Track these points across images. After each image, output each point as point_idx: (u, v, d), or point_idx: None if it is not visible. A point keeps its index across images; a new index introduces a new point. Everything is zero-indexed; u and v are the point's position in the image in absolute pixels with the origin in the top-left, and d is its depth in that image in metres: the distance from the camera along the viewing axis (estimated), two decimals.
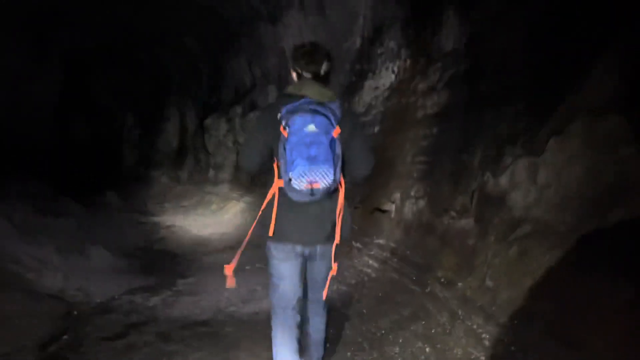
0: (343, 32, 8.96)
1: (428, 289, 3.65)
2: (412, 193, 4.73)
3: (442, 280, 3.55)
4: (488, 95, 3.92)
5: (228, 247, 7.23)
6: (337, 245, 2.40)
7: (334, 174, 2.16)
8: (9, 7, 11.89)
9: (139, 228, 9.09)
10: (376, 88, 6.92)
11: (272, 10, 10.77)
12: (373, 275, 4.57)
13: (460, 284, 3.35)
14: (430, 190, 4.38)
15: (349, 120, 2.35)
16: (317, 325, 2.76)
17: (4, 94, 13.23)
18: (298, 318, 2.55)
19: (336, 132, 2.19)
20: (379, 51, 7.08)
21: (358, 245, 5.38)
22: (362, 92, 7.38)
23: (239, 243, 2.57)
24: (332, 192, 2.32)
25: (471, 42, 4.49)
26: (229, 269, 2.43)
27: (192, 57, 14.96)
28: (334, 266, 2.41)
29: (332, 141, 2.16)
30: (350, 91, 7.96)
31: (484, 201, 3.49)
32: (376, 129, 6.63)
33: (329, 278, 2.52)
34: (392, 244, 4.67)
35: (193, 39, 14.41)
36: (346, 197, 2.45)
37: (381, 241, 4.97)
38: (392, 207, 5.17)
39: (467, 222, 3.64)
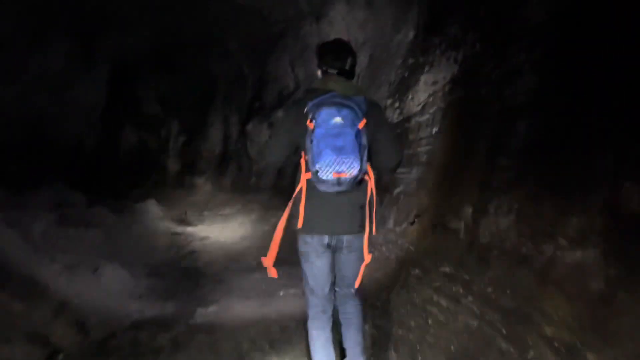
0: (394, 24, 7.77)
1: (530, 354, 2.40)
2: (491, 208, 3.49)
3: (555, 342, 2.30)
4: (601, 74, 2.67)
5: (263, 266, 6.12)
6: (369, 236, 2.40)
7: (360, 164, 2.15)
8: (56, 10, 11.36)
9: (171, 240, 8.16)
10: (434, 82, 5.70)
11: (317, 6, 9.71)
12: (440, 317, 3.34)
13: (588, 354, 2.10)
14: (520, 205, 3.13)
15: (375, 112, 2.33)
16: (350, 311, 2.61)
17: (48, 99, 12.76)
18: (330, 313, 2.51)
19: (362, 124, 2.17)
20: (437, 40, 5.88)
21: (416, 272, 4.17)
22: (416, 88, 6.19)
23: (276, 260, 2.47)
24: (359, 183, 2.29)
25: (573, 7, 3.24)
26: (266, 261, 2.41)
27: (237, 61, 14.13)
28: (368, 257, 2.36)
29: (357, 132, 2.14)
30: (402, 89, 6.78)
31: (619, 224, 2.25)
32: (434, 129, 5.42)
33: (361, 268, 2.45)
34: (465, 276, 3.43)
35: (237, 43, 13.58)
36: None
37: (448, 269, 3.74)
38: (460, 225, 3.94)
39: (587, 255, 2.39)
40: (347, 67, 2.42)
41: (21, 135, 11.35)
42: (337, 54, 2.44)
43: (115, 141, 15.87)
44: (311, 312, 2.55)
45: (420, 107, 5.96)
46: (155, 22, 13.51)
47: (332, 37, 9.17)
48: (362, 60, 8.25)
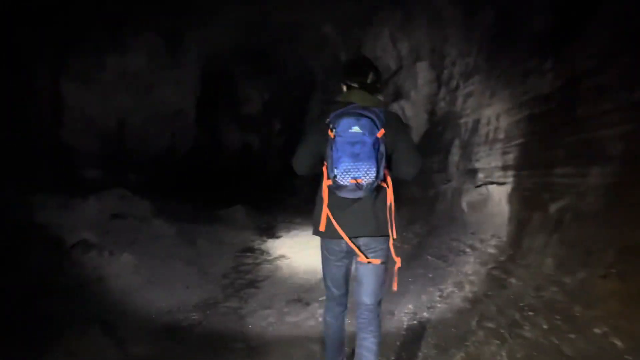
0: None
1: None
2: None
3: None
4: None
5: None
6: (392, 239, 2.35)
7: (377, 171, 2.14)
8: (136, 3, 9.97)
9: (235, 262, 6.06)
10: None
11: None
12: None
13: None
14: None
15: (393, 123, 2.31)
16: (368, 345, 2.41)
17: (136, 101, 11.57)
18: (344, 311, 2.55)
19: (380, 133, 2.16)
20: None
21: None
22: None
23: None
24: (377, 190, 2.25)
25: None
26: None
27: (333, 47, 11.86)
28: (397, 260, 2.32)
29: (375, 141, 2.14)
30: None
31: None
32: None
33: (395, 271, 2.36)
34: None
35: (332, 25, 11.31)
36: None
37: None
38: None
39: None
40: (368, 81, 2.41)
41: (104, 139, 10.19)
42: (359, 69, 2.46)
43: (214, 144, 14.40)
44: (327, 303, 2.60)
45: None
46: (242, 15, 11.74)
47: None
48: None
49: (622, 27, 3.24)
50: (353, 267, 2.52)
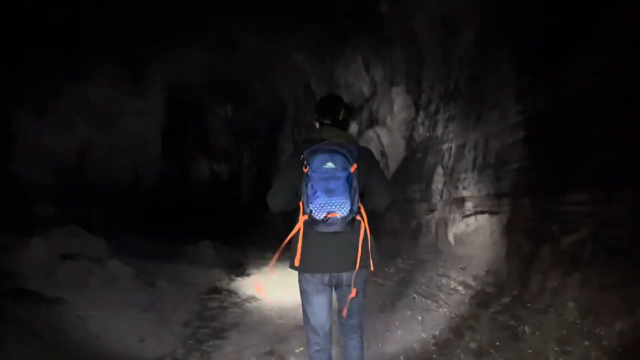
0: None
1: None
2: None
3: None
4: None
5: None
6: (365, 272, 2.39)
7: (351, 205, 2.16)
8: (96, 34, 9.35)
9: (199, 307, 5.34)
10: None
11: None
12: None
13: None
14: None
15: (366, 157, 2.35)
16: (354, 344, 2.52)
17: (96, 132, 10.80)
18: (332, 350, 2.51)
19: (353, 167, 2.19)
20: None
21: None
22: None
23: None
24: (352, 223, 2.24)
25: None
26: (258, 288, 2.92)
27: (304, 75, 11.45)
28: (353, 291, 2.32)
29: (348, 176, 2.17)
30: None
31: None
32: None
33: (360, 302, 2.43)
34: None
35: (303, 52, 10.91)
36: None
37: None
38: None
39: None
40: (340, 118, 2.47)
41: (61, 172, 9.36)
42: (331, 107, 2.50)
43: (183, 177, 13.65)
44: (311, 351, 2.49)
45: None
46: (209, 44, 11.25)
47: (420, 15, 6.20)
48: None
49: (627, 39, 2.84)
50: (333, 297, 2.51)
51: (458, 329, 3.49)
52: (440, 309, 4.09)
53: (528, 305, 2.94)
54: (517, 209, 3.76)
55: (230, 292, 6.12)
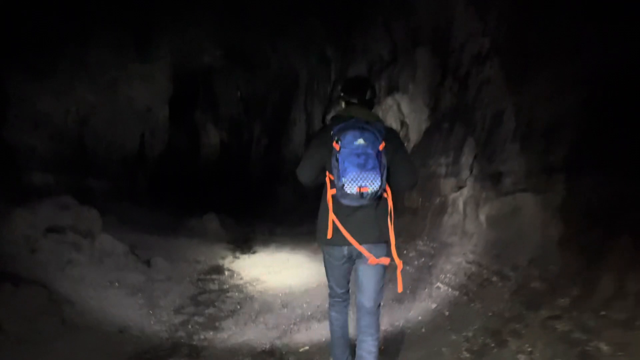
0: None
1: None
2: None
3: None
4: None
5: None
6: (392, 245, 2.42)
7: (381, 180, 2.20)
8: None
9: (195, 289, 4.72)
10: None
11: None
12: None
13: None
14: None
15: (392, 137, 2.41)
16: (368, 348, 2.45)
17: (98, 98, 10.15)
18: (348, 305, 2.62)
19: (382, 146, 2.24)
20: None
21: None
22: None
23: None
24: (379, 199, 2.32)
25: None
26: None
27: (319, 41, 10.61)
28: (399, 263, 2.38)
29: (378, 153, 2.22)
30: None
31: None
32: None
33: (398, 273, 2.43)
34: None
35: (316, 17, 10.05)
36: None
37: None
38: None
39: None
40: (366, 98, 2.51)
41: (60, 139, 8.76)
42: (358, 86, 2.56)
43: (189, 148, 13.00)
44: (331, 300, 2.65)
45: None
46: (219, 7, 10.42)
47: None
48: None
49: None
50: (353, 271, 2.56)
51: (498, 333, 2.80)
52: (473, 304, 3.40)
53: (602, 313, 2.24)
54: (576, 187, 3.01)
55: (233, 272, 5.50)
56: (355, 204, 2.25)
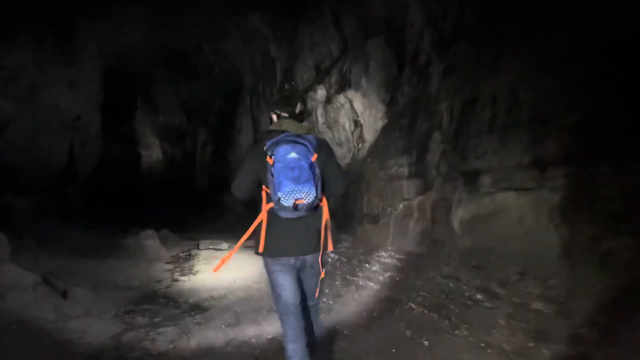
0: None
1: None
2: None
3: None
4: None
5: None
6: (326, 253, 2.47)
7: (316, 191, 2.23)
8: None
9: (119, 326, 3.81)
10: None
11: None
12: None
13: None
14: None
15: (324, 148, 2.44)
16: (318, 324, 2.63)
17: (15, 105, 8.94)
18: (303, 322, 2.49)
19: (314, 157, 2.28)
20: None
21: None
22: None
23: None
24: (315, 208, 2.35)
25: None
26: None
27: (262, 41, 9.86)
28: (322, 273, 2.45)
29: (311, 165, 2.26)
30: None
31: None
32: None
33: (318, 282, 2.51)
34: None
35: (258, 13, 9.31)
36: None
37: None
38: None
39: None
40: (296, 111, 2.55)
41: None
42: (288, 101, 2.58)
43: (123, 159, 11.87)
44: (285, 329, 2.47)
45: None
46: (154, 5, 9.47)
47: None
48: None
49: None
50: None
51: None
52: (458, 331, 2.76)
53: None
54: (579, 182, 2.43)
55: (169, 300, 4.62)
56: (292, 216, 2.26)
